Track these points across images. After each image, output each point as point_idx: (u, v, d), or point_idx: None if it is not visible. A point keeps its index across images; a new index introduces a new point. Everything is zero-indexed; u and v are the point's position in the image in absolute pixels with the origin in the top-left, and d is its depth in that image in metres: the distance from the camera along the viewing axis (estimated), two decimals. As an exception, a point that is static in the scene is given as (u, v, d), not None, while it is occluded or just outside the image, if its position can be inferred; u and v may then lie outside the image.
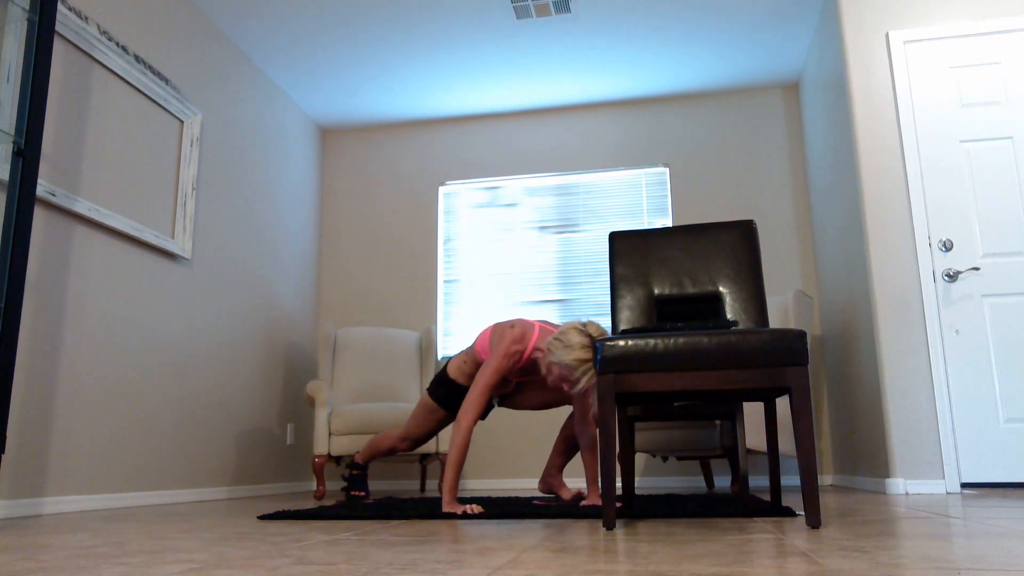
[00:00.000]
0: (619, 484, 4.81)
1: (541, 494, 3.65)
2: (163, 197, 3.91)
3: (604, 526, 1.99)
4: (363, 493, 3.27)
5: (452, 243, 5.59)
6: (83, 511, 3.17)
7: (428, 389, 3.08)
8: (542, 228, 5.47)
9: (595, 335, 2.48)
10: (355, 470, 3.30)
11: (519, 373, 2.87)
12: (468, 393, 2.67)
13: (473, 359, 2.93)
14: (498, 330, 2.79)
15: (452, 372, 2.99)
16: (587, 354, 2.45)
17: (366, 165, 5.83)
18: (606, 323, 5.26)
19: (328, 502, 3.68)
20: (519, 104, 5.55)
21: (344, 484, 3.29)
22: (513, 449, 5.15)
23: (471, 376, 2.96)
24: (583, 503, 2.79)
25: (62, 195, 3.17)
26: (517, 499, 3.25)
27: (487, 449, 5.18)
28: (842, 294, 4.30)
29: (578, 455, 5.06)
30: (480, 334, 2.92)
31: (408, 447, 3.18)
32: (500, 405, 3.12)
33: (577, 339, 2.47)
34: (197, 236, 4.21)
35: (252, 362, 4.69)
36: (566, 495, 3.13)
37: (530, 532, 1.93)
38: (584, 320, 2.57)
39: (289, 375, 5.17)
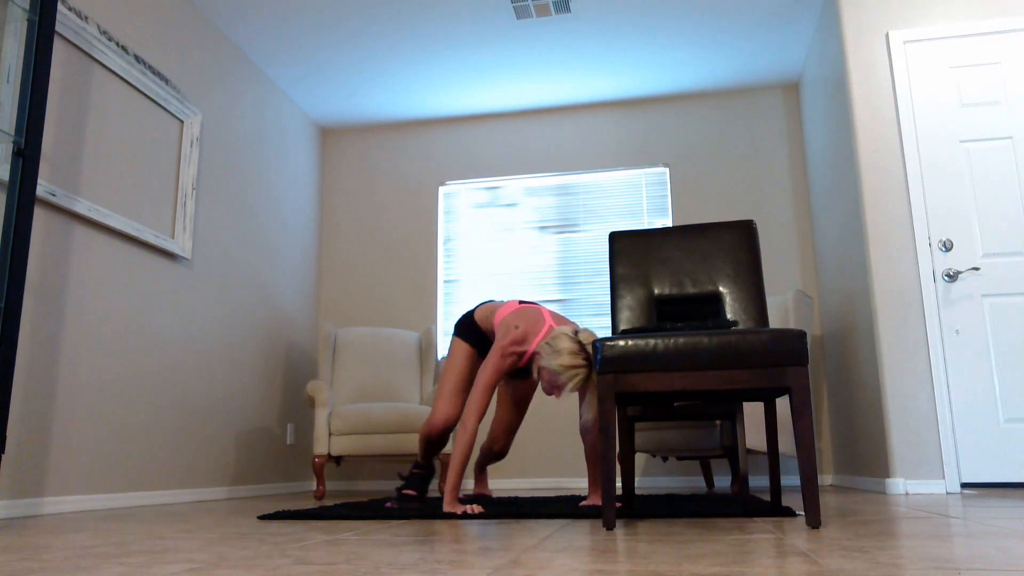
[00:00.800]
0: (619, 484, 4.81)
1: (474, 492, 3.70)
2: (163, 197, 3.91)
3: (604, 526, 1.99)
4: (414, 493, 3.00)
5: (452, 243, 5.59)
6: (83, 511, 3.17)
7: (455, 330, 3.06)
8: (542, 228, 5.47)
9: (585, 342, 2.49)
10: (416, 469, 3.07)
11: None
12: (470, 394, 2.68)
13: (491, 323, 2.94)
14: (505, 324, 2.76)
15: (478, 316, 3.01)
16: (573, 360, 2.45)
17: (366, 165, 5.83)
18: (606, 323, 5.26)
19: (329, 502, 3.68)
20: (519, 104, 5.55)
21: (401, 482, 3.11)
22: (514, 449, 5.14)
23: (489, 332, 2.98)
24: (583, 503, 2.79)
25: (62, 195, 3.17)
26: (518, 499, 3.25)
27: (487, 449, 5.18)
28: (842, 294, 4.30)
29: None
30: (507, 304, 2.92)
31: (457, 406, 2.93)
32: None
33: (566, 345, 2.47)
34: (197, 236, 4.21)
35: (252, 362, 4.69)
36: (478, 488, 3.57)
37: (530, 532, 1.93)
38: (579, 328, 2.58)
39: (289, 375, 5.17)
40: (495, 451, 3.43)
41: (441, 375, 3.13)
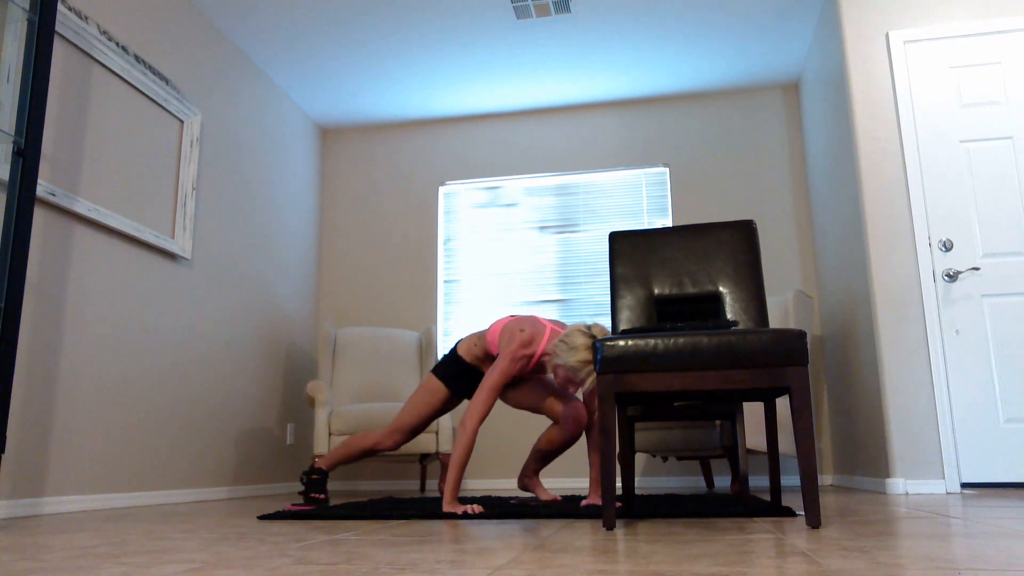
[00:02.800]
0: (619, 484, 4.81)
1: (520, 493, 3.63)
2: (163, 197, 3.91)
3: (604, 526, 1.99)
4: (323, 496, 3.09)
5: (452, 243, 5.59)
6: (83, 511, 3.17)
7: (433, 369, 3.02)
8: (542, 228, 5.47)
9: (599, 336, 2.50)
10: (315, 474, 3.11)
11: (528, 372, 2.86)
12: (475, 395, 2.67)
13: (483, 345, 2.92)
14: (508, 330, 2.76)
15: (462, 350, 2.97)
16: (591, 355, 2.47)
17: (366, 165, 5.83)
18: (606, 323, 5.26)
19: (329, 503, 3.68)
20: (519, 104, 5.55)
21: (302, 488, 3.09)
22: (514, 449, 5.14)
23: (480, 359, 2.94)
24: (583, 503, 2.79)
25: (62, 195, 3.17)
26: (518, 499, 3.25)
27: (488, 449, 5.18)
28: (842, 294, 4.30)
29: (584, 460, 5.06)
30: (494, 323, 2.91)
31: (396, 441, 2.99)
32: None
33: (581, 341, 2.50)
34: (197, 236, 4.21)
35: (252, 362, 4.69)
36: (543, 496, 3.12)
37: (530, 532, 1.93)
38: (589, 323, 2.59)
39: (289, 375, 5.17)
40: (572, 428, 2.89)
41: (406, 403, 3.01)
